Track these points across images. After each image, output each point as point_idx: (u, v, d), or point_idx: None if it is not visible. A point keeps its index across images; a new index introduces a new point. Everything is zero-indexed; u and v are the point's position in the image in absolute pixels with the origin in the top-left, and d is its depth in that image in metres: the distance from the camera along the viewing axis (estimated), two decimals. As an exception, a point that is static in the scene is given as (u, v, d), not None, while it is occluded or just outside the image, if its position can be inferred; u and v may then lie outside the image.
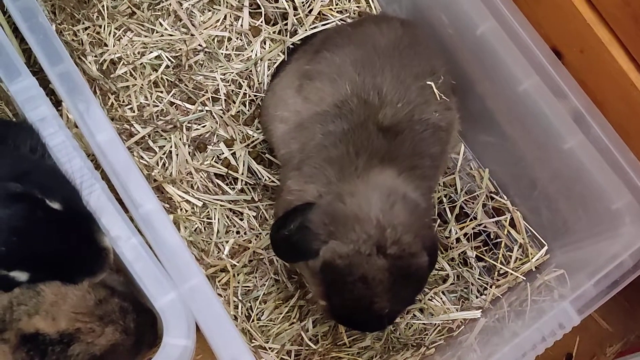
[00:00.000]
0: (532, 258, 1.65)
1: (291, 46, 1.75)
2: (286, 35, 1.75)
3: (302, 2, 1.78)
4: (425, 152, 1.39)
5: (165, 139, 1.63)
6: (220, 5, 1.75)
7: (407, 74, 1.40)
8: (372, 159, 1.33)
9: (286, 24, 1.76)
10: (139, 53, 1.66)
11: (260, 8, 1.76)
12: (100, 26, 1.64)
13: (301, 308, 1.57)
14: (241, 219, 1.63)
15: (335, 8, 1.79)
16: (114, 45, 1.64)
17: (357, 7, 1.80)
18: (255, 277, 1.59)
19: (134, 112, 1.62)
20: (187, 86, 1.68)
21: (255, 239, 1.61)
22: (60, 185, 1.14)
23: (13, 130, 1.22)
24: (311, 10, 1.78)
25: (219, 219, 1.59)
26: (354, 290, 1.23)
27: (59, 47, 1.28)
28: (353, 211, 1.25)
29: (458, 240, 1.68)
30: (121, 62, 1.64)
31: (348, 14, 1.80)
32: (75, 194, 1.14)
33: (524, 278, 1.62)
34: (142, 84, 1.64)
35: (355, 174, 1.31)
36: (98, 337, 1.08)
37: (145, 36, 1.68)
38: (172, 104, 1.67)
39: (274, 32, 1.76)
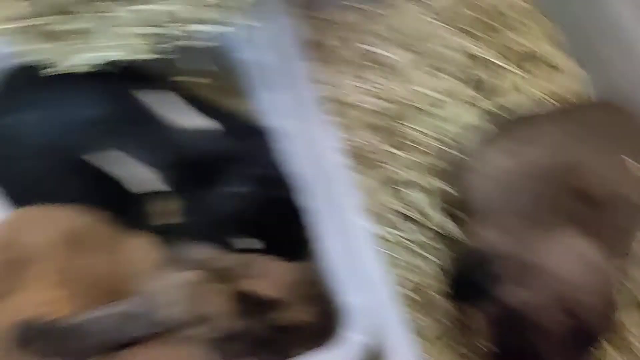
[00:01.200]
0: None
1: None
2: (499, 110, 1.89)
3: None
4: (620, 227, 1.41)
5: (368, 175, 1.80)
6: (444, 74, 1.95)
7: (613, 149, 1.45)
8: (567, 222, 1.38)
9: (501, 100, 1.91)
10: (357, 97, 1.88)
11: (482, 82, 1.93)
12: (327, 68, 1.90)
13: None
14: (422, 261, 1.73)
15: (548, 90, 1.90)
16: (336, 87, 1.88)
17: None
18: (426, 316, 1.66)
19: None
20: (395, 133, 1.86)
21: (432, 281, 1.70)
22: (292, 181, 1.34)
23: (253, 131, 1.47)
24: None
25: (402, 255, 1.71)
26: (529, 338, 1.26)
27: (307, 71, 1.52)
28: (540, 263, 1.30)
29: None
30: (340, 102, 1.87)
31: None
32: (301, 192, 1.34)
33: None
34: (355, 124, 1.85)
35: (548, 231, 1.37)
36: (295, 312, 1.23)
37: (366, 83, 1.90)
38: (379, 146, 1.85)
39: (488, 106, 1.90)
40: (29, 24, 1.24)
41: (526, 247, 1.34)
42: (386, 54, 1.95)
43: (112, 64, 1.41)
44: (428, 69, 1.96)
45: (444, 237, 1.77)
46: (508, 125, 1.72)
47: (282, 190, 1.28)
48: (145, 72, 1.52)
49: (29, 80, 1.46)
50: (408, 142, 1.86)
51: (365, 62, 1.94)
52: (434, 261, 1.74)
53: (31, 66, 1.46)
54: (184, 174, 1.26)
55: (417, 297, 1.66)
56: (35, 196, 1.33)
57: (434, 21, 2.00)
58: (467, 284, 1.38)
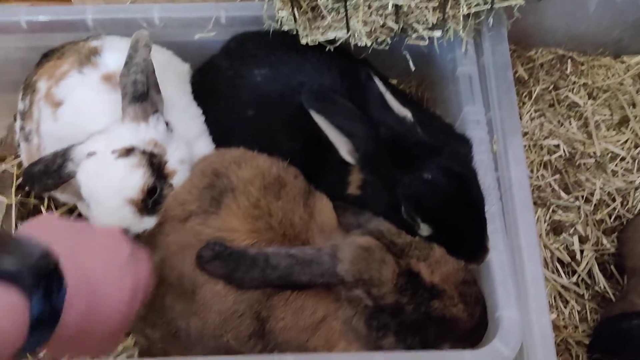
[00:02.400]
0: None
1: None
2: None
3: None
4: None
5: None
6: (626, 130, 1.94)
7: None
8: None
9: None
10: (542, 136, 1.93)
11: (663, 146, 1.91)
12: (523, 103, 1.96)
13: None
14: (565, 306, 1.74)
15: None
16: (526, 122, 1.93)
17: None
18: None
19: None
20: (569, 178, 1.88)
21: (570, 330, 1.70)
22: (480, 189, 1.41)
23: (455, 137, 1.55)
24: None
25: (546, 295, 1.72)
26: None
27: (512, 98, 1.59)
28: None
29: None
30: (526, 136, 1.92)
31: None
32: (484, 201, 1.40)
33: None
34: (534, 159, 1.89)
35: None
36: (453, 306, 1.28)
37: (554, 125, 1.94)
38: (549, 185, 1.87)
39: (666, 170, 1.87)
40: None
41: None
42: (579, 102, 1.98)
43: (333, 42, 1.56)
44: (616, 125, 1.97)
45: (588, 285, 1.77)
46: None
47: (469, 191, 1.35)
48: (361, 57, 1.66)
49: (261, 41, 1.64)
50: (577, 188, 1.87)
51: (558, 106, 1.98)
52: (572, 305, 1.74)
53: (261, 31, 1.66)
54: (381, 152, 1.36)
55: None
56: (248, 139, 1.49)
57: (635, 82, 2.01)
58: (622, 335, 1.37)
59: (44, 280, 0.86)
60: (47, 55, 1.66)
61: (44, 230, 0.98)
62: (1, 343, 0.80)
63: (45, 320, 0.87)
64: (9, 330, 0.81)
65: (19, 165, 1.86)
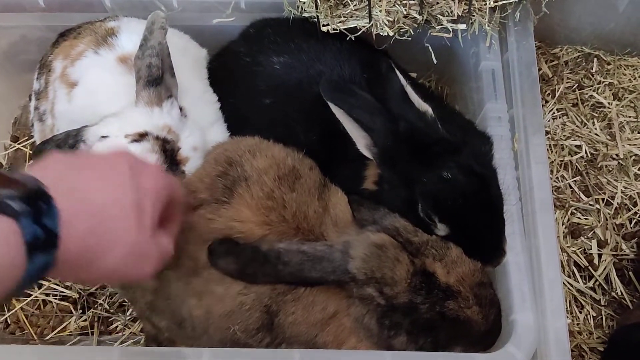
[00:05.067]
0: None
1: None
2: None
3: None
4: None
5: (551, 211, 1.79)
6: (655, 135, 1.90)
7: None
8: None
9: None
10: (564, 136, 1.88)
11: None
12: (546, 101, 1.91)
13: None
14: (580, 311, 1.70)
15: None
16: (548, 121, 1.88)
17: None
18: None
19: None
20: (589, 180, 1.83)
21: (585, 336, 1.66)
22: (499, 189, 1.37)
23: (475, 134, 1.51)
24: None
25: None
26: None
27: (536, 96, 1.54)
28: None
29: None
30: (547, 136, 1.87)
31: None
32: (503, 201, 1.36)
33: None
34: (554, 160, 1.84)
35: None
36: (467, 308, 1.25)
37: (577, 126, 1.89)
38: (569, 187, 1.83)
39: (691, 176, 1.82)
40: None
41: None
42: (604, 102, 1.93)
43: (354, 31, 1.52)
44: (641, 127, 1.92)
45: (605, 291, 1.73)
46: None
47: (489, 192, 1.31)
48: (381, 48, 1.62)
49: (280, 28, 1.61)
50: (598, 191, 1.83)
51: (582, 106, 1.93)
52: (588, 310, 1.70)
53: (280, 17, 1.62)
54: (400, 147, 1.32)
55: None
56: (264, 128, 1.46)
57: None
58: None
59: (31, 204, 0.83)
60: (64, 35, 1.63)
61: (39, 168, 0.96)
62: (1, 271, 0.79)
63: (41, 243, 0.84)
64: (4, 256, 0.80)
65: (32, 145, 1.85)
